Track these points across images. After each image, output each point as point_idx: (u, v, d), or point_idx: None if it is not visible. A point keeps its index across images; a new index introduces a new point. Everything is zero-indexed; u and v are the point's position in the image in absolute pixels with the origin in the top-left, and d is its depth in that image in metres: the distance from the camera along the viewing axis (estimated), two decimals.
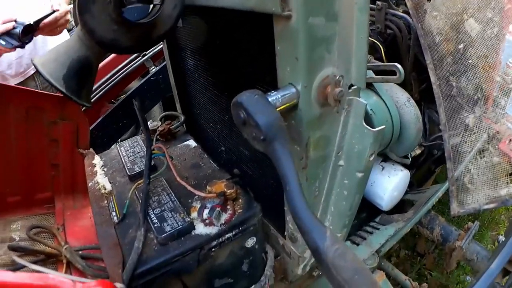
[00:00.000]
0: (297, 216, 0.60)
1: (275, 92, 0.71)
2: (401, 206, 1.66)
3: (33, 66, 1.90)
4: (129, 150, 1.27)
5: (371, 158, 0.84)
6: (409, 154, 1.63)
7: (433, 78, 1.36)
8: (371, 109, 1.33)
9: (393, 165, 1.55)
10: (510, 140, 1.19)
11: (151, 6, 0.86)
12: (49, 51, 0.96)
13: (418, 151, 1.68)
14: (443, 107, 1.31)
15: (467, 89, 1.31)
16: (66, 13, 1.76)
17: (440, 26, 1.40)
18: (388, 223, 1.59)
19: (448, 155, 1.30)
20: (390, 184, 1.48)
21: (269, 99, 0.68)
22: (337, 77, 0.77)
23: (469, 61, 1.33)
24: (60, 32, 1.82)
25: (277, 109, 0.68)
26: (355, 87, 0.81)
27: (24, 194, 1.53)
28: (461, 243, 1.57)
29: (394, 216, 1.61)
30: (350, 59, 0.78)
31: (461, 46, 1.35)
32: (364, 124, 0.80)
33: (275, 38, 0.74)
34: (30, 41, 1.65)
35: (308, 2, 0.67)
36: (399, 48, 1.67)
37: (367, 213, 1.67)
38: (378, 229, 1.55)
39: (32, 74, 1.98)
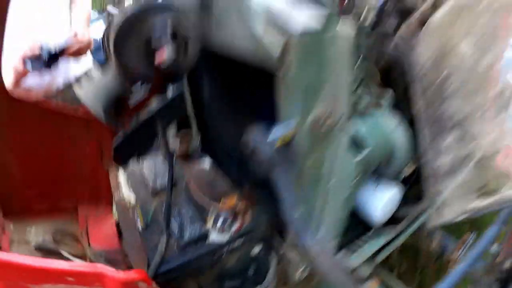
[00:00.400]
0: (290, 222, 0.79)
1: (276, 128, 0.88)
2: (394, 221, 1.74)
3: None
4: (152, 166, 1.43)
5: (358, 177, 1.00)
6: (402, 172, 1.73)
7: (420, 103, 1.49)
8: (362, 133, 1.44)
9: (386, 181, 1.65)
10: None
11: None
12: (88, 85, 1.13)
13: (410, 170, 1.79)
14: (427, 129, 1.46)
15: (448, 111, 1.44)
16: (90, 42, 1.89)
17: (429, 54, 1.52)
18: (380, 234, 1.69)
19: (429, 173, 1.45)
20: (381, 200, 1.54)
21: (271, 135, 0.85)
22: (327, 112, 0.94)
23: (454, 86, 1.44)
24: (85, 54, 1.94)
25: (278, 141, 0.85)
26: (342, 119, 0.97)
27: (47, 201, 1.57)
28: (457, 254, 1.67)
29: (386, 228, 1.68)
30: (338, 98, 0.95)
31: (445, 73, 1.47)
32: (349, 150, 0.96)
33: (277, 83, 0.88)
34: (55, 64, 1.77)
35: (302, 56, 0.82)
36: (394, 73, 1.80)
37: (359, 228, 1.70)
38: (369, 240, 1.66)
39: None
